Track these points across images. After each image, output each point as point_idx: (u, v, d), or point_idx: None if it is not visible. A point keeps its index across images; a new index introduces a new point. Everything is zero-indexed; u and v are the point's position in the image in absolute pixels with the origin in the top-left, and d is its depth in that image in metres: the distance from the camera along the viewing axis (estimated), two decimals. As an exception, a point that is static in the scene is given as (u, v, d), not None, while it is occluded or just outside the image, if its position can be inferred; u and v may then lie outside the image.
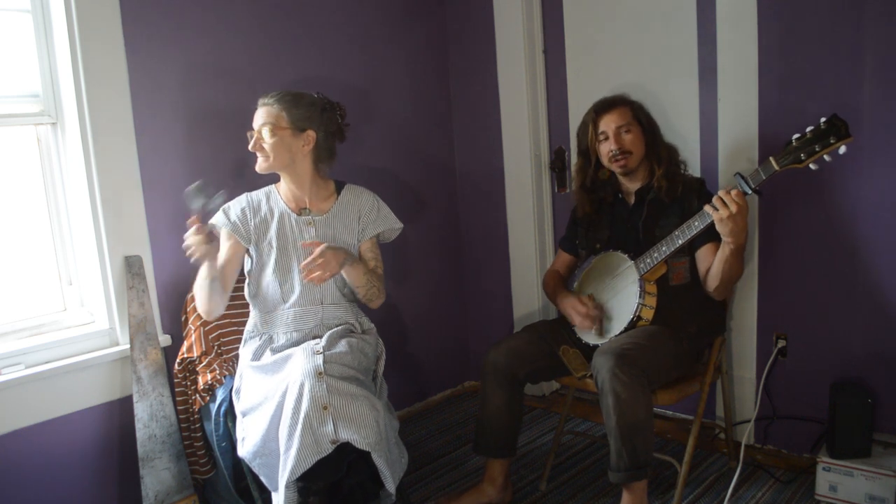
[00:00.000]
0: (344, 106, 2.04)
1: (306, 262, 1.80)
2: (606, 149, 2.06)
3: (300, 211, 1.99)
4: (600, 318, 2.04)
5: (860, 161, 1.99)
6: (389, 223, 2.08)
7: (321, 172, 2.01)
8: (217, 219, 1.97)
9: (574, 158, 2.71)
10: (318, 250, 1.80)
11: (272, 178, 2.03)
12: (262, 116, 1.91)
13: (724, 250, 1.86)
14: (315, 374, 1.69)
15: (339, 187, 2.06)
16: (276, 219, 1.97)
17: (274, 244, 1.95)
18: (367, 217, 2.04)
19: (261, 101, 1.94)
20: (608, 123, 2.05)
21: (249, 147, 1.92)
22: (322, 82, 2.51)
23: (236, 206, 1.99)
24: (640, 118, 2.07)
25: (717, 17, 2.23)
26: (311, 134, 1.92)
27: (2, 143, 2.00)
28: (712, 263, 1.93)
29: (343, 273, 1.91)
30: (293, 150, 1.91)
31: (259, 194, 2.03)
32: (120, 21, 2.02)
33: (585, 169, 2.17)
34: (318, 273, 1.79)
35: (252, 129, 1.93)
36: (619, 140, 2.04)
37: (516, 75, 2.78)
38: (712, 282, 1.94)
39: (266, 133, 1.89)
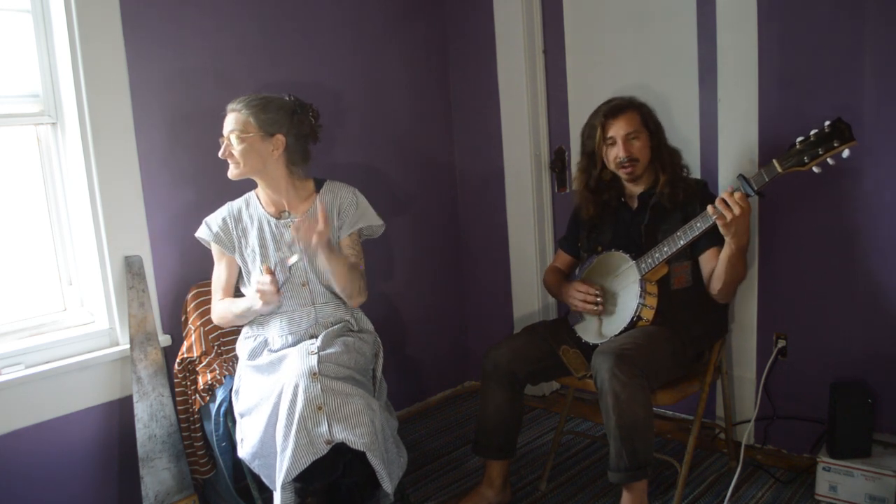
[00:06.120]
0: (316, 107, 2.01)
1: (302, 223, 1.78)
2: (614, 154, 2.03)
3: (280, 214, 1.97)
4: (603, 299, 2.03)
5: (860, 162, 1.98)
6: (369, 220, 2.03)
7: (296, 174, 1.98)
8: (201, 232, 1.99)
9: (575, 158, 2.75)
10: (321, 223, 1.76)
11: (250, 185, 2.02)
12: (230, 123, 1.89)
13: (727, 251, 1.85)
14: (309, 375, 1.69)
15: (318, 185, 2.03)
16: (255, 226, 1.97)
17: (257, 251, 1.95)
18: (346, 212, 2.01)
19: (229, 107, 1.91)
20: (617, 129, 2.01)
21: (220, 154, 1.90)
22: (321, 83, 2.52)
23: (217, 217, 1.99)
24: (648, 124, 2.04)
25: (717, 17, 2.22)
26: (280, 138, 1.90)
27: (2, 143, 2.00)
28: (715, 266, 1.93)
29: (322, 261, 1.85)
30: (263, 155, 1.88)
31: (239, 202, 2.02)
32: (120, 21, 2.02)
33: (590, 170, 2.13)
34: (311, 236, 1.76)
35: (223, 135, 1.90)
36: (628, 147, 2.01)
37: (516, 75, 2.78)
38: (716, 284, 1.94)
39: (234, 140, 1.86)
